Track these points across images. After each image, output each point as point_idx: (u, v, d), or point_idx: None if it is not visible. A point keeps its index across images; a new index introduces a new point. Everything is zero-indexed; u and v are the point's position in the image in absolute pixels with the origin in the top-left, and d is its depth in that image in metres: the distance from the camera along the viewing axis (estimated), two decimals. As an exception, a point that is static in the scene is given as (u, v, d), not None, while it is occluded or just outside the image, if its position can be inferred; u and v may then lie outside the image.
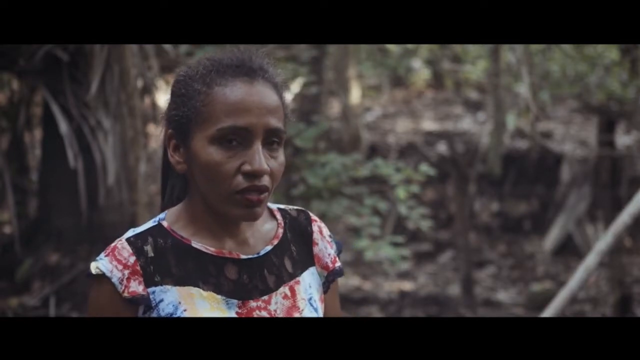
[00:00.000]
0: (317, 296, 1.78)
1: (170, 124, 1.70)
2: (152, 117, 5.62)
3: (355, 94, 9.38)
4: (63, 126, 4.96)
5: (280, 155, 1.67)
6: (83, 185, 5.01)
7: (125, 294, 1.63)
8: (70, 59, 5.05)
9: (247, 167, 1.62)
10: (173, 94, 1.71)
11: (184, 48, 5.30)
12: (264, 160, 1.63)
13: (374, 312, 6.74)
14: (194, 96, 1.66)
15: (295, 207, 1.84)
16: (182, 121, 1.67)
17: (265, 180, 1.64)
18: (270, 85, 1.68)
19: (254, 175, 1.63)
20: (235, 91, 1.64)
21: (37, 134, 5.94)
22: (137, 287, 1.64)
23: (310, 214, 1.84)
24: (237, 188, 1.63)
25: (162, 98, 6.30)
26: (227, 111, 1.63)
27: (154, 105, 5.55)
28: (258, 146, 1.63)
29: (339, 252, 1.84)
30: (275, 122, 1.65)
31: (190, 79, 1.68)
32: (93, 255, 5.24)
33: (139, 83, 5.04)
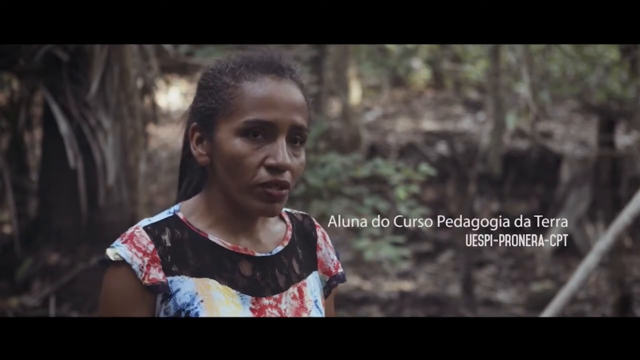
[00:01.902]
0: (320, 300, 1.80)
1: (195, 116, 1.72)
2: (152, 117, 5.62)
3: (355, 94, 9.38)
4: (63, 126, 4.96)
5: (302, 155, 1.70)
6: (83, 185, 5.01)
7: (146, 281, 1.64)
8: (70, 59, 5.05)
9: (271, 161, 1.64)
10: (200, 87, 1.73)
11: (184, 48, 5.31)
12: (287, 155, 1.65)
13: (374, 312, 6.74)
14: (223, 89, 1.68)
15: (300, 212, 1.87)
16: (208, 113, 1.69)
17: (287, 176, 1.66)
18: (297, 85, 1.71)
19: (277, 169, 1.65)
20: (263, 86, 1.67)
21: (37, 134, 5.94)
22: (157, 274, 1.64)
23: (314, 220, 1.87)
24: (259, 181, 1.65)
25: (162, 98, 6.30)
26: (255, 105, 1.65)
27: (154, 105, 5.55)
28: (282, 141, 1.65)
29: (337, 259, 1.86)
30: (300, 120, 1.68)
31: (220, 72, 1.70)
32: (93, 255, 5.25)
33: (139, 83, 5.04)
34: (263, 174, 1.65)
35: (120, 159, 5.00)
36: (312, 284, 1.79)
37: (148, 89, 5.34)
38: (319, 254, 1.83)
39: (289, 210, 1.85)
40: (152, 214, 1.79)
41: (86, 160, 5.02)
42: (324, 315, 1.79)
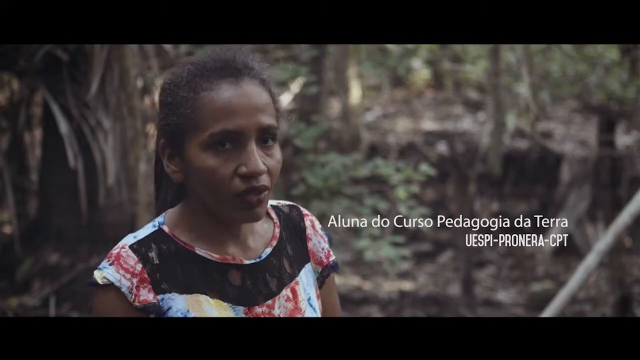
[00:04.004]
0: (314, 294, 1.78)
1: (163, 132, 1.68)
2: (152, 117, 5.62)
3: (355, 94, 9.38)
4: (63, 126, 4.96)
5: (276, 152, 1.66)
6: (83, 185, 5.01)
7: (136, 303, 1.61)
8: (70, 59, 5.05)
9: (243, 169, 1.61)
10: (161, 103, 1.69)
11: (184, 48, 5.30)
12: (260, 161, 1.61)
13: (374, 312, 6.73)
14: (182, 104, 1.64)
15: (287, 203, 1.83)
16: (173, 130, 1.65)
17: (264, 180, 1.63)
18: (257, 82, 1.66)
19: (251, 176, 1.61)
20: (221, 94, 1.62)
21: (37, 134, 5.94)
22: (147, 295, 1.62)
23: (302, 209, 1.83)
24: (235, 191, 1.62)
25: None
26: (216, 116, 1.61)
27: (154, 105, 5.54)
28: (252, 147, 1.62)
29: (330, 244, 1.82)
30: (266, 120, 1.63)
31: (176, 86, 1.66)
32: (93, 255, 5.24)
33: (139, 83, 5.04)
34: (238, 183, 1.61)
35: (120, 159, 4.99)
36: (305, 279, 1.77)
37: (148, 89, 5.33)
38: (310, 245, 1.80)
39: (274, 203, 1.81)
40: (152, 214, 1.77)
41: (86, 160, 5.01)
42: (317, 312, 1.77)
